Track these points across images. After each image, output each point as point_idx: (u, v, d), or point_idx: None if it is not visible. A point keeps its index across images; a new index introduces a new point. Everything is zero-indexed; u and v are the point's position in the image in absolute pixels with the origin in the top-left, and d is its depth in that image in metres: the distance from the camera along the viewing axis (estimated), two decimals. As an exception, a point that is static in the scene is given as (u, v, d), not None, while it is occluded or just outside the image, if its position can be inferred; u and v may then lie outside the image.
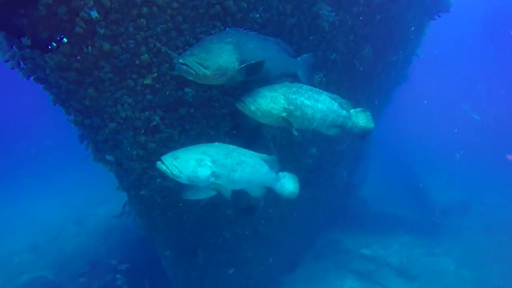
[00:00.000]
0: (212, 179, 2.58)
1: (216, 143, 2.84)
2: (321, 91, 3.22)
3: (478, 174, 12.54)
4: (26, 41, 2.27)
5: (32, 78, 2.76)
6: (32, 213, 11.16)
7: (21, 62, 2.63)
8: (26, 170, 15.41)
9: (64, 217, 10.42)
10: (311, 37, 3.59)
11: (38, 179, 14.20)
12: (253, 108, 2.84)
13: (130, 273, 6.53)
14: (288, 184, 3.16)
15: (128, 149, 3.27)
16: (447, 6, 5.16)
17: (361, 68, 4.33)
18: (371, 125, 3.43)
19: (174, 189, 3.66)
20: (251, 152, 2.97)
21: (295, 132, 2.99)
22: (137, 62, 2.78)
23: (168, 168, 2.53)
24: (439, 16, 5.31)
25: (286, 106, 2.93)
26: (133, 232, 7.91)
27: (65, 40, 2.40)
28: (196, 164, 2.55)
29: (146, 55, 2.76)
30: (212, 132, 3.57)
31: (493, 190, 11.54)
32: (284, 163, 3.85)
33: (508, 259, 7.69)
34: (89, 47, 2.45)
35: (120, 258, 6.90)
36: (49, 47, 2.33)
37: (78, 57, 2.45)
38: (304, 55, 3.43)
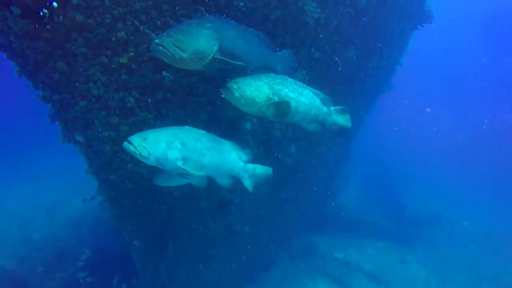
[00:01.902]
0: (181, 162, 2.52)
1: (186, 127, 2.78)
2: (305, 86, 3.25)
3: (454, 187, 12.93)
4: (16, 10, 2.10)
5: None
6: (-2, 199, 10.63)
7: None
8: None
9: (35, 206, 9.99)
10: (295, 32, 3.58)
11: (6, 163, 13.51)
12: (237, 94, 2.82)
13: (100, 265, 6.30)
14: (256, 176, 3.12)
15: (100, 130, 3.16)
16: (429, 17, 5.31)
17: (342, 69, 4.36)
18: (348, 124, 3.49)
19: (146, 176, 3.56)
20: (221, 138, 2.93)
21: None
22: (113, 38, 2.69)
23: (136, 149, 2.45)
24: (422, 26, 5.46)
25: (270, 96, 2.93)
26: (107, 223, 7.66)
27: (55, 4, 2.22)
28: (166, 146, 2.49)
29: (123, 32, 2.68)
30: (189, 120, 3.50)
31: (466, 203, 11.92)
32: (262, 160, 3.82)
33: (474, 268, 7.94)
34: (60, 16, 2.35)
35: (91, 250, 6.66)
36: (41, 13, 2.16)
37: (48, 26, 2.34)
38: (284, 51, 3.42)
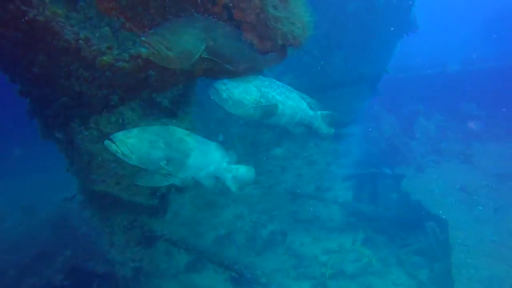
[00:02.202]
0: (164, 163, 2.48)
1: (171, 126, 2.74)
2: (292, 89, 3.27)
3: (438, 193, 13.13)
4: None
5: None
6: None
7: None
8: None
9: (12, 203, 9.58)
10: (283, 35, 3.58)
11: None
12: (224, 95, 2.81)
13: (79, 268, 6.11)
14: (239, 177, 3.10)
15: (81, 127, 3.06)
16: (414, 27, 5.46)
17: (330, 73, 4.40)
18: (331, 131, 3.56)
19: (129, 176, 3.48)
20: (206, 139, 2.92)
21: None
22: (97, 34, 2.62)
23: (118, 148, 2.39)
24: (407, 35, 5.60)
25: (258, 98, 2.94)
26: (88, 223, 7.43)
27: None
28: (150, 146, 2.44)
29: (107, 28, 2.61)
30: (174, 121, 3.45)
31: (454, 207, 12.12)
32: (247, 162, 3.80)
33: (458, 275, 8.09)
34: (40, 7, 2.25)
35: (70, 251, 6.44)
36: None
37: (26, 17, 2.24)
38: (271, 53, 3.40)
